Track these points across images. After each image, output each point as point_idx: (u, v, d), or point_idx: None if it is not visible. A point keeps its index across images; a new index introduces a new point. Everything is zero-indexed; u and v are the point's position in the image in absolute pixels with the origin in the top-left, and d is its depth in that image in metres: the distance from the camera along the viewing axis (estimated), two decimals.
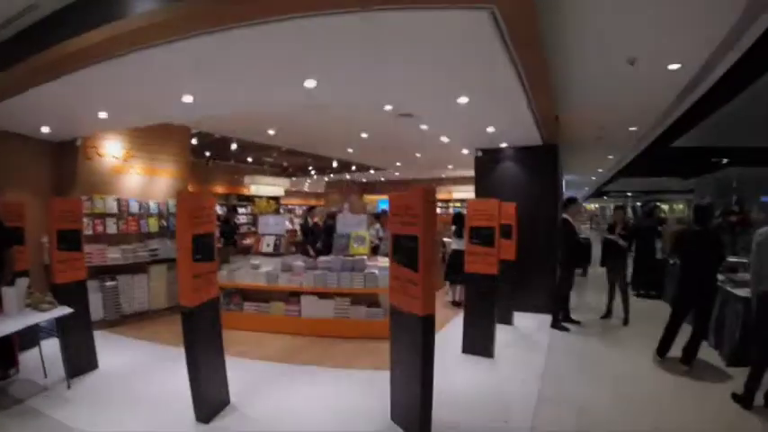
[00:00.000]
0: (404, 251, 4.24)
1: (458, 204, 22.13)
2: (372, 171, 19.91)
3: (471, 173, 10.06)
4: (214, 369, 4.80)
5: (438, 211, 22.08)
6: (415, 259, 4.05)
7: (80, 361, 5.84)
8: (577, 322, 8.02)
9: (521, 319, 8.25)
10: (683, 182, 22.39)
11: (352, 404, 5.04)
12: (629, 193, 36.29)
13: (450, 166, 17.87)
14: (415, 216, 4.08)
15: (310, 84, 5.30)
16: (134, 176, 9.00)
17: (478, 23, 3.70)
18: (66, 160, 8.40)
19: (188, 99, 5.94)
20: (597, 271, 8.24)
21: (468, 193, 20.41)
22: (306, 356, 6.58)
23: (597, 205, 49.10)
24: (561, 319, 7.90)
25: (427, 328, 4.05)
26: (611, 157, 14.38)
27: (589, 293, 9.40)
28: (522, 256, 8.08)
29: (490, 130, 7.67)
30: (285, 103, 6.79)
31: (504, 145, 9.11)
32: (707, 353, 6.27)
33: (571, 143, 9.77)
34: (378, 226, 10.63)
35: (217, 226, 14.02)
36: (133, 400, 5.18)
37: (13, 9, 4.55)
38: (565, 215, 7.97)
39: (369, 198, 25.81)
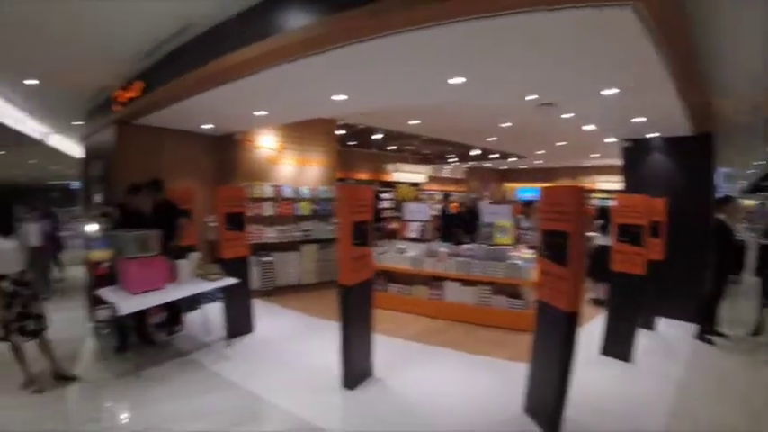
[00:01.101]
0: (553, 247, 4.21)
1: (602, 196, 20.58)
2: (513, 159, 19.48)
3: (616, 162, 9.43)
4: (363, 343, 5.20)
5: None
6: (565, 255, 4.02)
7: (239, 324, 6.60)
8: (724, 335, 7.00)
9: (663, 324, 7.53)
10: None
11: (486, 390, 5.06)
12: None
13: (594, 155, 16.96)
14: (567, 213, 4.04)
15: (458, 81, 5.41)
16: (287, 166, 9.90)
17: (622, 18, 3.57)
18: (227, 152, 9.47)
19: (340, 98, 6.35)
20: (752, 279, 7.15)
21: (612, 183, 19.23)
22: (445, 339, 6.71)
23: (757, 201, 42.47)
24: (707, 330, 7.00)
25: (571, 324, 4.02)
26: None
27: (741, 304, 8.15)
28: (670, 257, 7.32)
29: (637, 120, 7.18)
30: (432, 98, 6.92)
31: (652, 135, 8.40)
32: None
33: (725, 132, 8.68)
34: (521, 216, 10.38)
35: None
36: (284, 361, 5.75)
37: (172, 29, 5.25)
38: (720, 215, 7.04)
39: (508, 186, 25.24)
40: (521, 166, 23.45)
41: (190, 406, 4.57)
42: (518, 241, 8.90)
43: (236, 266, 6.46)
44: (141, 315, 5.82)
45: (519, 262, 7.45)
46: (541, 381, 4.34)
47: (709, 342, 6.79)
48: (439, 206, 12.90)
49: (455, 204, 11.82)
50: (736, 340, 6.92)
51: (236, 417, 4.39)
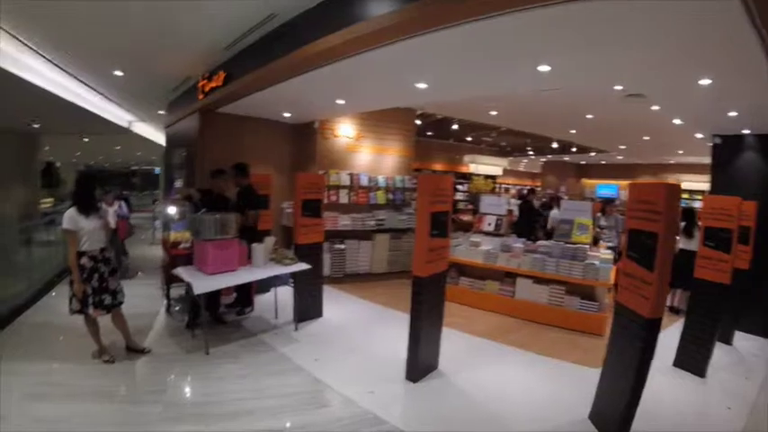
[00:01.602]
0: (640, 248, 3.90)
1: (686, 195, 19.18)
2: (593, 153, 18.52)
3: (703, 160, 8.77)
4: (431, 337, 5.11)
5: None
6: (652, 258, 3.72)
7: (308, 309, 6.68)
8: None
9: (742, 339, 6.95)
10: None
11: (551, 393, 4.91)
12: None
13: (680, 152, 15.81)
14: (658, 213, 3.72)
15: (543, 69, 5.10)
16: (364, 154, 9.86)
17: (723, 2, 3.23)
18: (305, 140, 9.58)
19: (422, 86, 6.18)
20: None
21: (698, 183, 18.29)
22: (513, 338, 6.53)
23: None
24: None
25: (652, 331, 3.76)
26: None
27: None
28: (756, 266, 6.69)
29: (732, 114, 6.60)
30: (517, 87, 6.68)
31: (746, 132, 7.74)
32: None
33: None
34: (599, 214, 9.95)
35: None
36: (349, 348, 5.76)
37: (255, 19, 5.27)
38: None
39: (586, 182, 24.21)
40: (601, 162, 22.26)
41: (253, 385, 4.66)
42: (596, 241, 8.53)
43: (310, 252, 6.50)
44: (214, 295, 5.99)
45: (596, 262, 7.13)
46: (612, 388, 4.10)
47: None
48: (515, 200, 12.59)
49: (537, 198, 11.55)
50: None
51: (298, 400, 4.42)
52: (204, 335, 5.43)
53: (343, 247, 9.09)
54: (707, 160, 8.55)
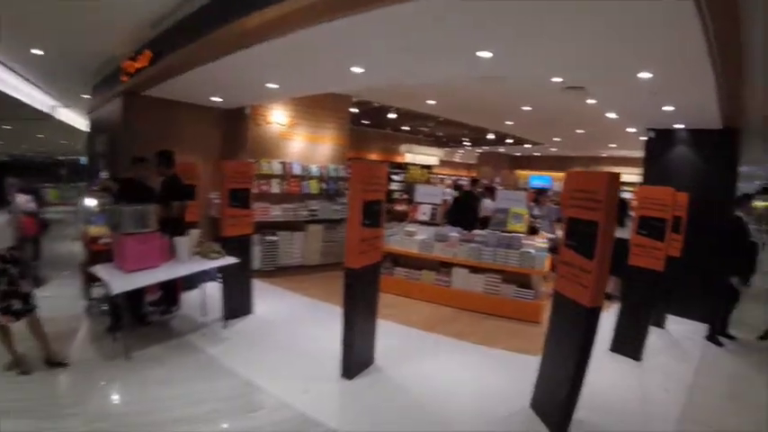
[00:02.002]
0: (580, 237, 3.93)
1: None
2: (528, 145, 19.03)
3: (634, 153, 9.12)
4: (366, 330, 4.95)
5: None
6: (592, 247, 3.73)
7: (237, 305, 6.35)
8: (733, 337, 6.87)
9: (674, 323, 7.36)
10: None
11: (491, 383, 4.91)
12: None
13: (612, 145, 16.41)
14: (598, 201, 3.73)
15: (484, 54, 4.99)
16: (297, 142, 9.50)
17: None
18: (236, 127, 9.13)
19: (357, 70, 5.95)
20: (761, 282, 6.84)
21: (629, 175, 18.38)
22: (451, 328, 6.52)
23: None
24: (718, 331, 6.81)
25: (592, 321, 3.79)
26: None
27: (749, 307, 7.92)
28: (686, 254, 7.08)
29: (667, 108, 6.78)
30: (455, 75, 6.58)
31: (679, 126, 8.04)
32: None
33: (750, 128, 8.29)
34: (532, 204, 10.07)
35: None
36: (281, 346, 5.52)
37: None
38: (739, 213, 6.80)
39: (520, 173, 24.81)
40: (535, 153, 22.96)
41: (180, 390, 4.32)
42: (534, 231, 8.65)
43: (238, 245, 6.18)
44: (136, 294, 5.50)
45: (532, 251, 7.25)
46: (553, 377, 4.13)
47: (719, 344, 6.68)
48: (450, 190, 12.64)
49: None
50: (745, 344, 6.84)
51: (229, 405, 4.16)
52: (127, 338, 5.02)
53: (274, 238, 8.75)
54: (638, 153, 8.88)
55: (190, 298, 6.67)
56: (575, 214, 4.00)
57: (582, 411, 3.96)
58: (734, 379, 5.75)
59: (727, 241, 6.63)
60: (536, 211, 9.86)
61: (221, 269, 5.83)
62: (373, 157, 17.56)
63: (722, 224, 6.95)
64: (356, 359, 4.80)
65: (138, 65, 6.73)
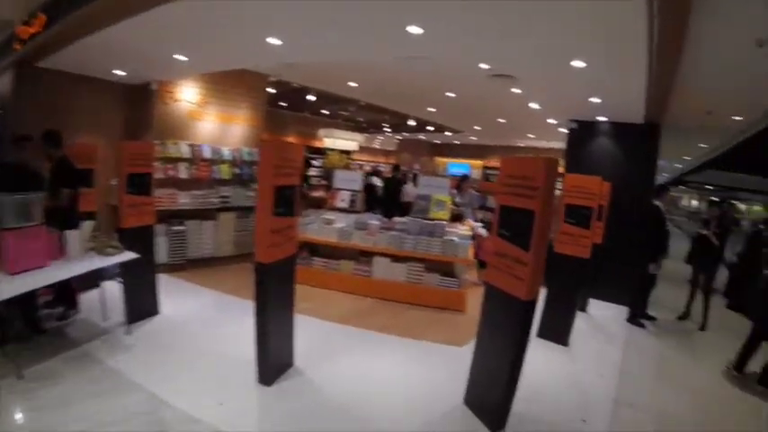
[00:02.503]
0: (514, 226, 3.77)
1: None
2: (448, 133, 19.10)
3: (552, 144, 9.36)
4: (282, 331, 4.56)
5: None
6: (528, 237, 3.58)
7: (142, 306, 5.76)
8: (653, 318, 7.35)
9: (596, 307, 7.74)
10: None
11: (421, 379, 4.77)
12: (710, 187, 33.12)
13: (531, 135, 16.70)
14: (534, 188, 3.57)
15: (415, 30, 4.67)
16: (208, 123, 8.77)
17: None
18: (140, 104, 8.32)
19: (274, 41, 5.45)
20: (674, 266, 7.49)
21: None
22: (374, 321, 6.33)
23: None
24: (639, 313, 7.25)
25: (528, 314, 3.68)
26: (703, 145, 13.26)
27: (666, 290, 8.56)
28: (607, 240, 7.39)
29: (594, 100, 6.90)
30: (382, 53, 6.19)
31: (602, 119, 8.30)
32: None
33: (668, 125, 8.76)
34: (454, 191, 9.97)
35: None
36: (192, 352, 5.01)
37: None
38: (657, 202, 7.21)
39: (440, 160, 25.02)
40: (454, 141, 23.17)
41: (78, 412, 3.72)
42: (458, 218, 8.60)
43: (139, 237, 5.56)
44: (26, 298, 4.68)
45: (455, 238, 7.22)
46: (488, 372, 4.02)
47: (641, 325, 7.12)
48: (375, 179, 12.51)
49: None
50: (664, 324, 7.33)
51: (133, 425, 3.63)
52: (17, 352, 4.36)
53: (182, 228, 8.08)
54: (555, 144, 9.17)
55: (89, 299, 5.88)
56: (508, 202, 3.86)
57: (518, 403, 3.87)
58: (660, 359, 6.02)
59: (647, 229, 6.96)
60: (458, 199, 9.78)
61: (122, 266, 5.20)
62: (291, 140, 16.73)
63: (642, 213, 7.23)
64: (273, 363, 4.41)
65: (32, 30, 5.95)
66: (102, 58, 6.77)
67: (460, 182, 10.15)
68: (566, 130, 9.14)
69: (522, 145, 20.64)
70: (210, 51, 6.26)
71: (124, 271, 5.35)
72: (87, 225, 5.18)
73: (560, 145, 17.26)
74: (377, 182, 13.03)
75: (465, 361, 4.27)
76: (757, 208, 30.79)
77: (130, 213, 5.53)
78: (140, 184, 5.58)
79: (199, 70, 7.83)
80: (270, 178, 4.02)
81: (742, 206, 27.78)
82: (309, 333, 5.43)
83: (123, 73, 7.63)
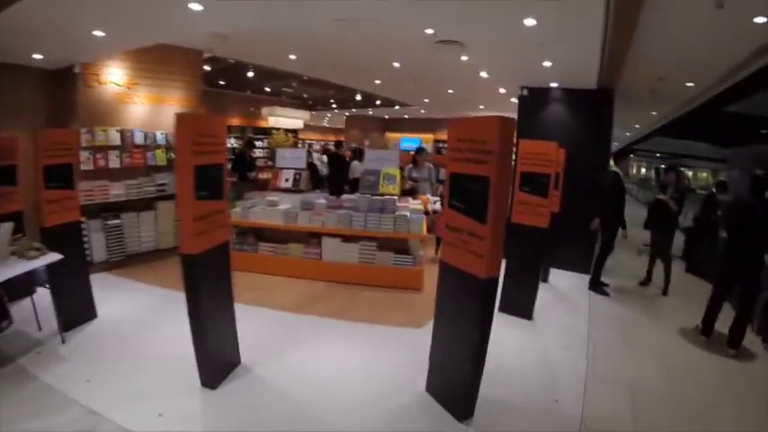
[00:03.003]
0: (467, 196, 3.46)
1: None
2: (397, 107, 18.87)
3: (504, 114, 9.13)
4: (222, 328, 4.20)
5: None
6: (484, 208, 3.27)
7: (76, 312, 5.32)
8: (605, 284, 7.34)
9: (556, 277, 7.71)
10: (717, 150, 21.29)
11: (379, 367, 4.54)
12: (658, 154, 34.14)
13: (481, 107, 16.72)
14: (488, 152, 3.24)
15: None
16: (139, 105, 8.10)
17: None
18: (63, 90, 7.63)
19: (196, 7, 4.93)
20: (631, 232, 7.45)
21: None
22: (326, 307, 6.07)
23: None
24: (599, 281, 7.28)
25: (490, 293, 3.43)
26: (654, 113, 13.50)
27: (623, 256, 8.65)
28: (564, 208, 7.33)
29: (546, 64, 6.72)
30: (312, 18, 5.72)
31: (554, 85, 8.17)
32: (749, 339, 5.45)
33: (620, 92, 8.73)
34: (410, 166, 9.69)
35: (229, 160, 13.45)
36: (131, 357, 4.63)
37: None
38: (615, 168, 7.18)
39: (391, 136, 24.90)
40: (404, 116, 23.13)
41: None
42: (411, 192, 8.36)
43: (65, 236, 5.10)
44: None
45: (407, 213, 6.97)
46: (450, 358, 3.76)
47: (606, 294, 7.13)
48: (318, 155, 12.26)
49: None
50: (625, 290, 7.42)
51: None
52: None
53: (118, 222, 7.53)
54: (507, 114, 8.93)
55: (24, 308, 5.36)
56: (460, 169, 3.55)
57: (485, 387, 3.67)
58: (626, 327, 5.98)
59: (605, 196, 6.86)
60: (414, 173, 9.50)
61: (49, 269, 4.74)
62: (234, 122, 16.31)
63: (600, 180, 7.16)
64: (216, 364, 4.08)
65: None
66: (15, 41, 6.09)
67: (416, 155, 9.85)
68: (516, 100, 9.00)
69: (473, 116, 20.60)
70: (130, 24, 5.64)
71: (52, 275, 4.87)
72: (5, 227, 4.65)
73: (513, 116, 17.46)
74: (318, 160, 12.74)
75: (424, 344, 4.06)
76: (704, 174, 32.06)
77: (52, 210, 5.02)
78: (61, 176, 5.08)
79: (121, 47, 7.16)
80: (188, 157, 3.61)
81: (689, 173, 28.87)
82: (257, 325, 5.19)
83: (41, 56, 6.94)
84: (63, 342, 4.88)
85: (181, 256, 3.76)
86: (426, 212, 7.55)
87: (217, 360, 4.07)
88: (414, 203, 7.57)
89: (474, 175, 3.36)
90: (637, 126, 18.01)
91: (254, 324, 5.02)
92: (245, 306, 4.88)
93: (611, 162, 8.41)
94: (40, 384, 4.10)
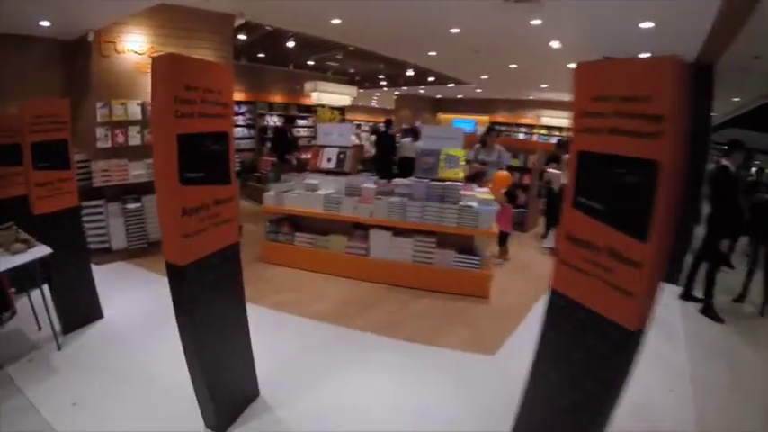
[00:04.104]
0: (613, 192, 2.12)
1: (544, 132, 20.30)
2: (451, 85, 17.88)
3: (565, 97, 8.08)
4: (231, 357, 3.29)
5: (521, 136, 20.25)
6: (645, 214, 1.95)
7: (77, 312, 4.69)
8: (708, 302, 5.88)
9: None
10: None
11: (441, 411, 3.51)
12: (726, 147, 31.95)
13: (543, 85, 15.55)
14: (656, 119, 1.90)
15: None
16: None
17: None
18: (77, 61, 7.04)
19: None
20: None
21: (558, 119, 19.23)
22: (371, 317, 5.10)
23: None
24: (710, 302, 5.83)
25: (633, 351, 2.12)
26: (737, 99, 11.91)
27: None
28: None
29: (645, 26, 5.57)
30: None
31: (645, 55, 6.93)
32: None
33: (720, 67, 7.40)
34: (478, 146, 8.60)
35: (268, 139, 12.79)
36: (134, 375, 3.87)
37: None
38: (726, 161, 5.77)
39: (443, 117, 24.05)
40: (458, 96, 22.31)
41: None
42: (477, 177, 7.33)
43: (59, 225, 4.41)
44: None
45: (474, 204, 5.86)
46: (554, 420, 2.52)
47: (721, 320, 5.66)
48: (366, 134, 11.52)
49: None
50: (720, 308, 5.84)
51: None
52: None
53: (138, 205, 6.85)
54: (565, 97, 7.97)
55: (32, 302, 4.69)
56: (598, 147, 2.18)
57: None
58: (729, 359, 4.79)
59: (714, 197, 5.77)
60: (482, 156, 8.43)
61: (44, 265, 4.12)
62: (276, 99, 15.51)
63: (705, 176, 6.06)
64: (222, 400, 3.18)
65: None
66: (17, 6, 5.47)
67: (485, 135, 8.78)
68: None
69: (532, 98, 20.08)
70: None
71: (49, 270, 4.28)
72: None
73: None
74: (366, 140, 11.98)
75: (496, 378, 3.27)
76: None
77: (43, 195, 4.30)
78: (53, 154, 4.35)
79: (132, 7, 6.47)
80: (168, 120, 2.60)
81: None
82: (284, 341, 4.36)
83: (48, 23, 6.30)
84: (59, 348, 4.24)
85: (167, 266, 2.85)
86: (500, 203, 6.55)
87: (223, 397, 3.19)
88: (481, 191, 6.51)
89: (628, 159, 2.03)
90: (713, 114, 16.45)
91: (280, 339, 4.25)
92: (273, 312, 4.11)
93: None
94: (20, 402, 3.48)
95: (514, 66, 11.94)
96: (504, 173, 7.74)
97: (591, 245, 2.24)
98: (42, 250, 4.03)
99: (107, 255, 6.53)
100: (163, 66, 2.63)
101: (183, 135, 2.67)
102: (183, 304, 2.86)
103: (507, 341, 4.56)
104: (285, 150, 10.18)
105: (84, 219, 6.34)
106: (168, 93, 2.58)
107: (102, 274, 5.47)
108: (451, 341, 4.60)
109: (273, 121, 14.86)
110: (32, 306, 4.56)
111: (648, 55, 5.75)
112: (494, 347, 4.38)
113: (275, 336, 4.06)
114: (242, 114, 14.26)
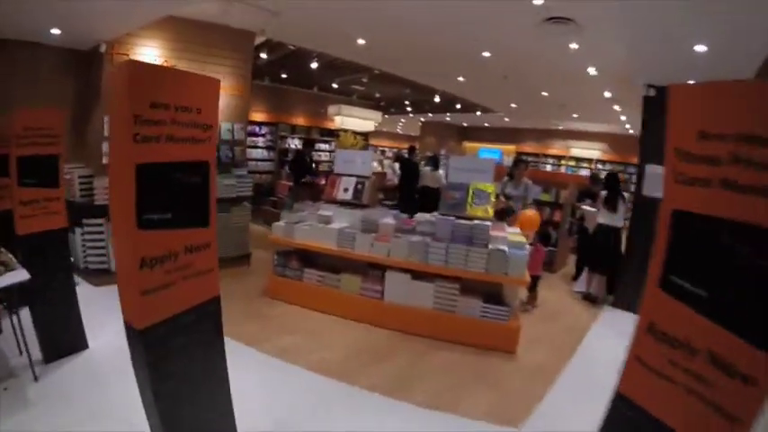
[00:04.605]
0: (726, 276, 1.49)
1: (572, 163, 19.79)
2: (479, 113, 17.65)
3: (592, 127, 7.63)
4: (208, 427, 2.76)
5: (549, 168, 19.83)
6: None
7: (61, 340, 4.36)
8: None
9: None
10: None
11: None
12: None
13: (574, 115, 15.21)
14: None
15: None
16: None
17: None
18: (89, 72, 6.99)
19: None
20: None
21: (589, 150, 18.92)
22: (382, 372, 4.53)
23: None
24: None
25: None
26: None
27: None
28: None
29: (699, 49, 5.10)
30: None
31: (692, 82, 6.43)
32: None
33: None
34: (506, 179, 7.94)
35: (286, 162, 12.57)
36: (116, 413, 3.45)
37: None
38: None
39: (469, 145, 23.76)
40: (485, 124, 22.03)
41: None
42: (507, 214, 6.62)
43: (44, 247, 4.08)
44: None
45: (504, 247, 5.25)
46: None
47: None
48: (389, 161, 11.19)
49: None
50: None
51: None
52: None
53: None
54: (596, 128, 7.55)
55: (13, 325, 4.25)
56: (712, 208, 1.52)
57: None
58: None
59: None
60: (509, 189, 7.75)
61: (23, 290, 3.81)
62: (299, 121, 15.38)
63: None
64: None
65: None
66: (30, 15, 5.43)
67: (513, 168, 8.20)
68: (618, 108, 7.38)
69: (561, 128, 19.69)
70: None
71: (32, 294, 4.00)
72: None
73: (608, 128, 15.97)
74: (389, 167, 11.63)
75: None
76: None
77: (27, 213, 3.97)
78: (41, 170, 4.01)
79: (143, 19, 6.14)
80: (126, 146, 2.10)
81: None
82: (281, 399, 3.85)
83: (60, 32, 6.20)
84: (35, 379, 3.91)
85: (127, 330, 2.36)
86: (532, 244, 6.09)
87: None
88: (512, 232, 5.91)
89: (752, 227, 1.40)
90: None
91: (275, 395, 3.79)
92: (272, 360, 3.69)
93: None
94: None
95: (546, 93, 11.58)
96: (532, 212, 7.16)
97: (684, 344, 1.61)
98: (21, 275, 3.69)
99: (105, 276, 6.16)
100: (121, 76, 2.15)
101: (145, 164, 2.15)
102: (143, 371, 2.37)
103: (535, 411, 4.00)
104: (302, 174, 9.86)
105: (84, 237, 6.21)
106: (126, 110, 2.08)
107: (98, 297, 5.24)
108: (470, 406, 4.05)
109: (295, 143, 14.70)
110: (14, 329, 4.11)
111: (693, 82, 5.30)
112: (520, 417, 3.84)
113: (270, 391, 3.65)
114: (263, 136, 14.14)
